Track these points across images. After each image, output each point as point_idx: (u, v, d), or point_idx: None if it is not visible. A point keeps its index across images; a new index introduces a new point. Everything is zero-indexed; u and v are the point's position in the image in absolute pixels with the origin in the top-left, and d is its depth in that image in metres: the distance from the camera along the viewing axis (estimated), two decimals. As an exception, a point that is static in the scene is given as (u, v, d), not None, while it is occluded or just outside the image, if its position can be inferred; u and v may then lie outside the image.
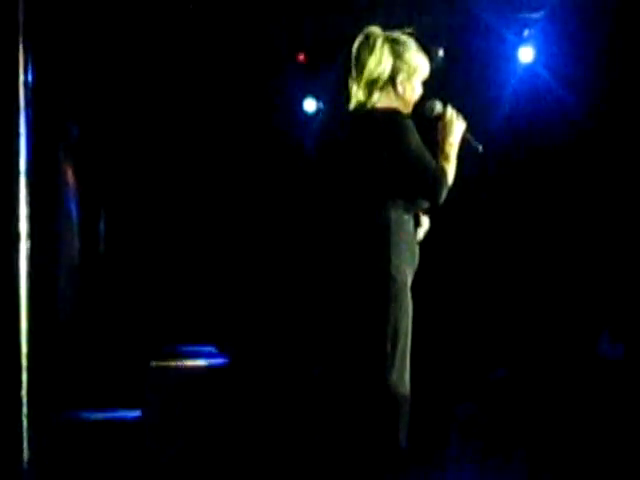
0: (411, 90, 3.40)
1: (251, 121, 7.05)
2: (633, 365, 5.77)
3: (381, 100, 3.39)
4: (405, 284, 3.28)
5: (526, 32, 6.25)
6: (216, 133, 7.13)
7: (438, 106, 3.42)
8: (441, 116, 3.40)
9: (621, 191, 6.41)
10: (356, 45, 3.41)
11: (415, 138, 3.28)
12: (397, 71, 3.37)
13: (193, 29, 6.30)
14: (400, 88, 3.38)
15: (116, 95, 6.79)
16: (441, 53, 3.48)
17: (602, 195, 6.49)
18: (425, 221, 3.48)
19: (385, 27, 3.46)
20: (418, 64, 3.42)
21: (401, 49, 3.39)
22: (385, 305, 3.21)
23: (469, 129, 3.41)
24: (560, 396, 5.96)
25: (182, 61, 6.63)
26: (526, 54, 6.33)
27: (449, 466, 5.98)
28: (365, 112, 3.39)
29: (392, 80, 3.38)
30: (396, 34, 3.43)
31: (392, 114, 3.34)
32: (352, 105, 3.42)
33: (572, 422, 5.83)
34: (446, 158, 3.34)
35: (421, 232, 3.46)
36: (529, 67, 6.41)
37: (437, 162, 3.31)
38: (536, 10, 6.17)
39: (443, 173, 3.29)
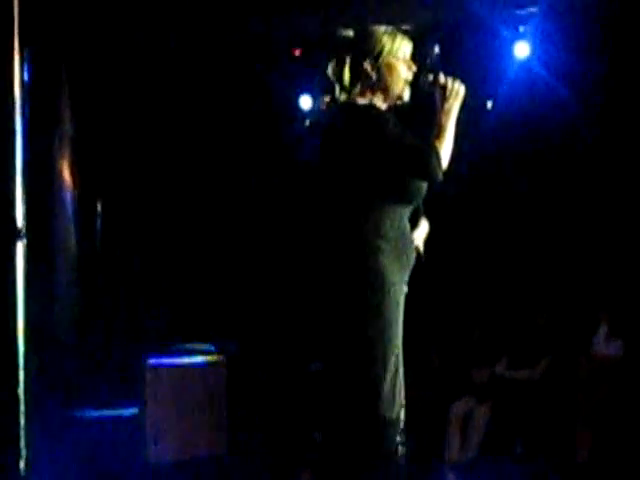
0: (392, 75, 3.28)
1: (247, 118, 7.06)
2: (633, 362, 5.76)
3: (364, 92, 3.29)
4: (390, 289, 3.11)
5: (522, 28, 6.25)
6: (212, 130, 7.14)
7: (430, 76, 3.28)
8: (435, 83, 3.26)
9: (618, 186, 6.41)
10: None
11: (393, 126, 3.15)
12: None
13: (188, 24, 6.29)
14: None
15: (113, 91, 6.79)
16: (437, 49, 3.35)
17: (599, 190, 6.50)
18: (424, 224, 3.37)
19: (380, 23, 3.43)
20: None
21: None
22: (366, 310, 3.07)
23: (469, 94, 3.28)
24: (558, 391, 5.97)
25: (177, 57, 6.63)
26: (522, 49, 6.33)
27: (446, 463, 6.01)
28: (344, 105, 3.28)
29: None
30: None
31: (368, 107, 3.22)
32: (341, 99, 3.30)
33: (571, 418, 5.85)
34: (441, 130, 3.21)
35: (420, 232, 3.35)
36: (525, 63, 6.41)
37: (428, 139, 3.17)
38: (532, 5, 6.17)
39: (433, 148, 3.15)
